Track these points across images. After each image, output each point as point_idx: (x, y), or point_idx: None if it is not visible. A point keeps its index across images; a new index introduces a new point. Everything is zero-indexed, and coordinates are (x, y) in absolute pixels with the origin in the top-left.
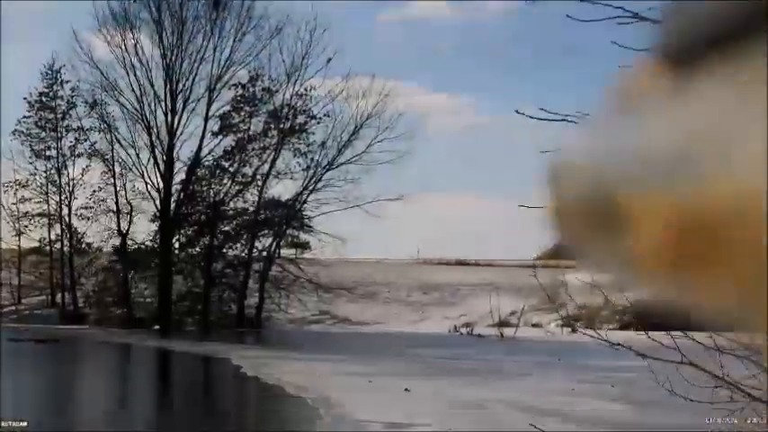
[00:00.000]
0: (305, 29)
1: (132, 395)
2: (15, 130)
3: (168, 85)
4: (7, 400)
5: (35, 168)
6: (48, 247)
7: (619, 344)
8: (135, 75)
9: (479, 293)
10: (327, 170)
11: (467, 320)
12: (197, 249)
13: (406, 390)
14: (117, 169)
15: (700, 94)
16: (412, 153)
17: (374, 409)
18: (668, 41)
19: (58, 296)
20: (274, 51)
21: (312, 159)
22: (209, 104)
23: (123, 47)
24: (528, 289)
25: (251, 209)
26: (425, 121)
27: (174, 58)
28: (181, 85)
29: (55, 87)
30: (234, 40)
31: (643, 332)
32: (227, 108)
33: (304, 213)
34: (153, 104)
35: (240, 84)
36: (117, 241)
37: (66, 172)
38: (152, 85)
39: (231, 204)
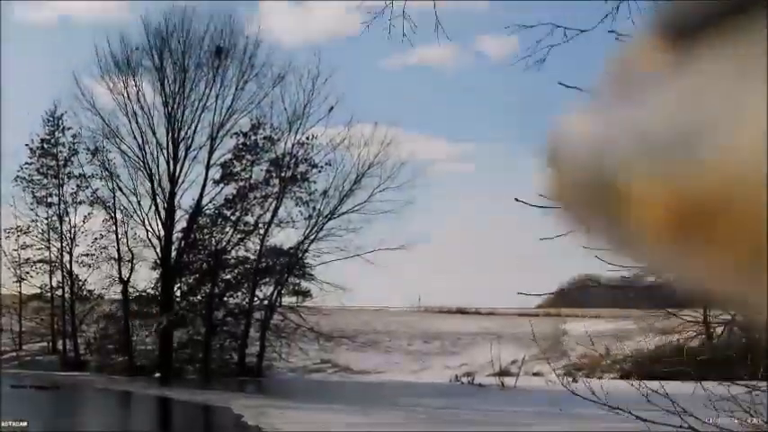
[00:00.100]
0: (307, 77)
1: None
2: (17, 176)
3: (170, 133)
4: None
5: (36, 215)
6: (49, 294)
7: (618, 408)
8: (137, 122)
9: (480, 342)
10: (329, 219)
11: (468, 370)
12: (198, 297)
13: None
14: (118, 216)
15: (700, 70)
16: (414, 202)
17: None
18: (668, 16)
19: (60, 343)
20: (276, 99)
21: (314, 208)
22: (210, 152)
23: (125, 94)
24: (529, 338)
25: (252, 257)
26: (428, 170)
27: (175, 106)
28: (183, 133)
29: (56, 134)
30: (236, 89)
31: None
32: (229, 156)
33: (305, 262)
34: (155, 152)
35: (242, 132)
36: (118, 288)
37: (67, 219)
38: (154, 133)
39: (233, 253)
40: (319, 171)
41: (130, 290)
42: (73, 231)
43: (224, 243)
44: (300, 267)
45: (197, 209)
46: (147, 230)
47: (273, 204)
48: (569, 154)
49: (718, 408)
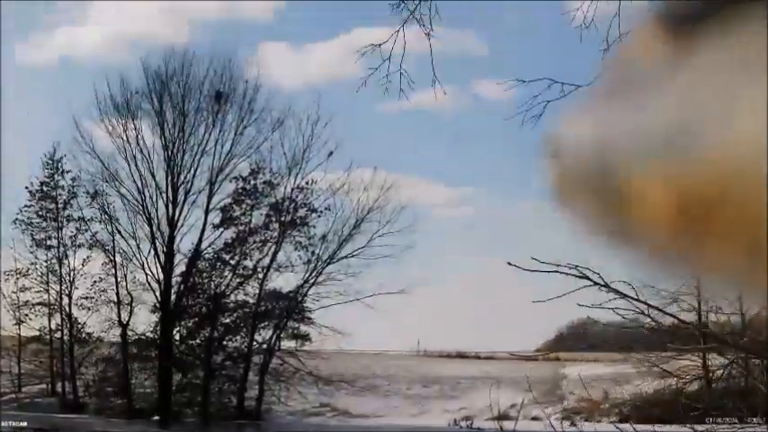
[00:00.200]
0: (306, 121)
1: None
2: (16, 218)
3: (169, 177)
4: None
5: (36, 257)
6: (48, 336)
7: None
8: (136, 166)
9: (480, 386)
10: (328, 264)
11: (467, 414)
12: (197, 341)
13: None
14: (118, 260)
15: (699, 63)
16: (414, 247)
17: None
18: (666, 10)
19: (59, 385)
20: (276, 144)
21: (313, 253)
22: (209, 197)
23: (125, 137)
24: (529, 383)
25: (251, 301)
26: (427, 214)
27: (175, 150)
28: (182, 177)
29: (56, 177)
30: (235, 133)
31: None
32: (229, 201)
33: (305, 306)
34: (154, 196)
35: (241, 176)
36: (117, 332)
37: (66, 262)
38: (153, 177)
39: (232, 297)
40: (319, 216)
41: (129, 333)
42: (72, 274)
43: (223, 287)
44: (299, 311)
45: (196, 253)
46: (147, 274)
47: (273, 248)
48: (571, 149)
49: None
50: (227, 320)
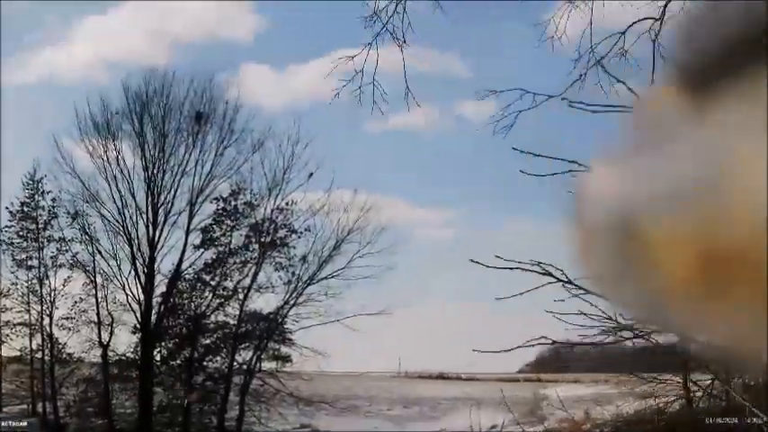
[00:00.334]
0: (287, 142)
1: None
2: None
3: (150, 198)
4: None
5: (17, 278)
6: (29, 357)
7: None
8: (117, 186)
9: (460, 407)
10: (308, 284)
11: None
12: (178, 362)
13: None
14: (98, 280)
15: (720, 117)
16: (394, 268)
17: None
18: (686, 65)
19: (39, 405)
20: (256, 165)
21: (293, 273)
22: (190, 218)
23: (105, 158)
24: (509, 403)
25: (232, 322)
26: (408, 235)
27: (155, 171)
28: (162, 198)
29: (36, 197)
30: (215, 154)
31: None
32: (209, 221)
33: (285, 327)
34: (134, 216)
35: (221, 197)
36: (98, 352)
37: (47, 282)
38: (134, 197)
39: (212, 317)
40: (299, 236)
41: (110, 353)
42: (53, 294)
43: (203, 308)
44: (280, 332)
45: (176, 273)
46: (127, 294)
47: (253, 269)
48: (595, 210)
49: None
50: (208, 341)
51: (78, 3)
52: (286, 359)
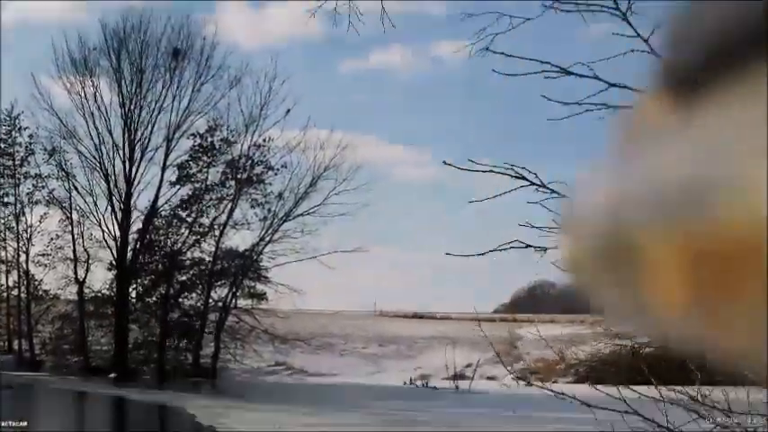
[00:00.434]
0: (264, 79)
1: None
2: None
3: (126, 134)
4: None
5: None
6: (5, 294)
7: (563, 393)
8: (94, 123)
9: (436, 346)
10: (284, 221)
11: (422, 373)
12: (153, 299)
13: None
14: (75, 217)
15: (710, 123)
16: (370, 205)
17: None
18: (673, 70)
19: (15, 342)
20: (233, 101)
21: (269, 210)
22: (166, 154)
23: (83, 94)
24: (484, 342)
25: (208, 259)
26: (384, 174)
27: (132, 107)
28: (139, 134)
29: (13, 133)
30: (193, 90)
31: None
32: (185, 158)
33: (261, 264)
34: (111, 153)
35: (198, 134)
36: (74, 289)
37: (23, 219)
38: (110, 134)
39: (188, 254)
40: (275, 173)
41: (86, 290)
42: (29, 231)
43: (179, 244)
44: (255, 270)
45: (153, 210)
46: (103, 231)
47: (229, 206)
48: (583, 218)
49: (669, 411)
50: (184, 278)
51: None
52: (261, 296)
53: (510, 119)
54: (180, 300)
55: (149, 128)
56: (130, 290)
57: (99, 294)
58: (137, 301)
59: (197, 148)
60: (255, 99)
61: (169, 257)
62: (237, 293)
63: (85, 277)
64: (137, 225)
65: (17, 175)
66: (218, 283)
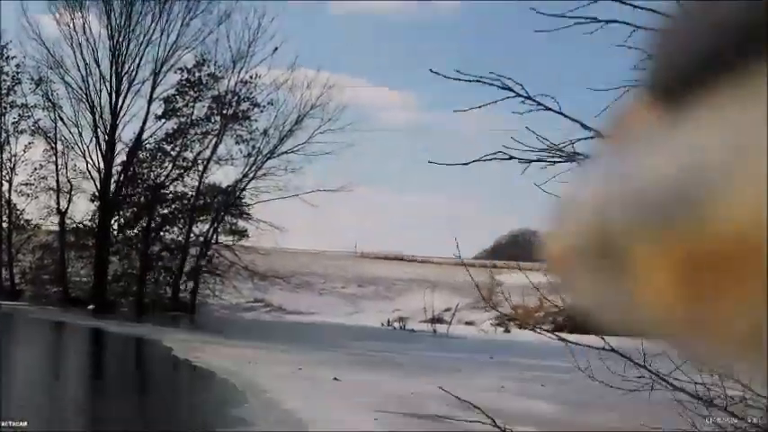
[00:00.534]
0: (253, 15)
1: (62, 373)
2: None
3: (114, 66)
4: None
5: None
6: None
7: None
8: (81, 54)
9: (415, 289)
10: (269, 158)
11: (400, 315)
12: (135, 231)
13: (335, 379)
14: (59, 147)
15: (696, 125)
16: (354, 146)
17: (302, 396)
18: (659, 72)
19: None
20: (221, 37)
21: (254, 147)
22: (153, 87)
23: (71, 25)
24: (463, 287)
25: (190, 193)
26: (369, 116)
27: (121, 39)
28: (126, 67)
29: (0, 63)
30: (181, 24)
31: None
32: (172, 92)
33: (243, 201)
34: (98, 84)
35: (186, 68)
36: (56, 219)
37: (8, 148)
38: (98, 65)
39: (171, 188)
40: (261, 110)
41: (68, 221)
42: (13, 161)
43: (162, 178)
44: (237, 206)
45: (137, 143)
46: (87, 162)
47: (214, 141)
48: (570, 218)
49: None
50: (166, 211)
51: None
52: (242, 233)
53: (499, 61)
54: (161, 233)
55: (137, 61)
56: (112, 222)
57: (80, 225)
58: (118, 233)
59: (184, 82)
60: (244, 35)
61: (152, 191)
62: (219, 229)
63: (68, 208)
64: (121, 157)
65: (3, 105)
66: (200, 218)
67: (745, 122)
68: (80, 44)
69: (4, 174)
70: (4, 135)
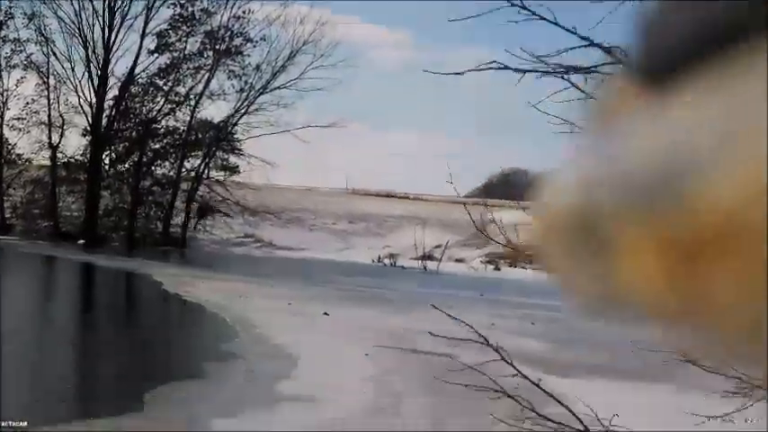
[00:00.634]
0: None
1: (52, 306)
2: None
3: (107, 1)
4: None
5: None
6: None
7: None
8: None
9: (406, 226)
10: (261, 94)
11: (391, 251)
12: (126, 166)
13: (324, 314)
14: (51, 82)
15: (683, 106)
16: (346, 83)
17: (291, 330)
18: (644, 54)
19: None
20: None
21: (246, 82)
22: (146, 22)
23: None
24: (454, 225)
25: (182, 128)
26: (362, 53)
27: None
28: (119, 1)
29: None
30: None
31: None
32: (165, 26)
33: (235, 136)
34: (91, 19)
35: (178, 2)
36: (47, 154)
37: (0, 82)
38: (91, 0)
39: (163, 123)
40: (254, 46)
41: (59, 156)
42: (5, 95)
43: (154, 113)
44: (229, 141)
45: (130, 77)
46: (80, 97)
47: (206, 76)
48: (556, 199)
49: None
50: (157, 146)
51: None
52: (234, 169)
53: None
54: (152, 168)
55: None
56: (104, 156)
57: (72, 160)
58: (109, 168)
59: (177, 17)
60: None
61: (144, 125)
62: (210, 164)
63: (59, 142)
64: (113, 92)
65: None
66: (192, 153)
67: (732, 105)
68: None
69: None
70: None
